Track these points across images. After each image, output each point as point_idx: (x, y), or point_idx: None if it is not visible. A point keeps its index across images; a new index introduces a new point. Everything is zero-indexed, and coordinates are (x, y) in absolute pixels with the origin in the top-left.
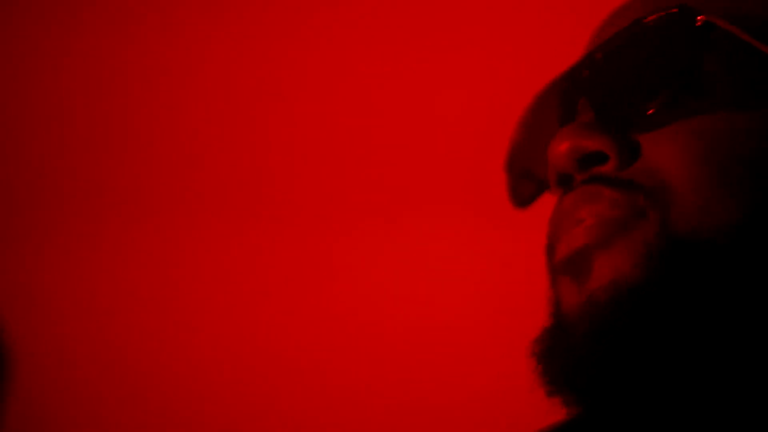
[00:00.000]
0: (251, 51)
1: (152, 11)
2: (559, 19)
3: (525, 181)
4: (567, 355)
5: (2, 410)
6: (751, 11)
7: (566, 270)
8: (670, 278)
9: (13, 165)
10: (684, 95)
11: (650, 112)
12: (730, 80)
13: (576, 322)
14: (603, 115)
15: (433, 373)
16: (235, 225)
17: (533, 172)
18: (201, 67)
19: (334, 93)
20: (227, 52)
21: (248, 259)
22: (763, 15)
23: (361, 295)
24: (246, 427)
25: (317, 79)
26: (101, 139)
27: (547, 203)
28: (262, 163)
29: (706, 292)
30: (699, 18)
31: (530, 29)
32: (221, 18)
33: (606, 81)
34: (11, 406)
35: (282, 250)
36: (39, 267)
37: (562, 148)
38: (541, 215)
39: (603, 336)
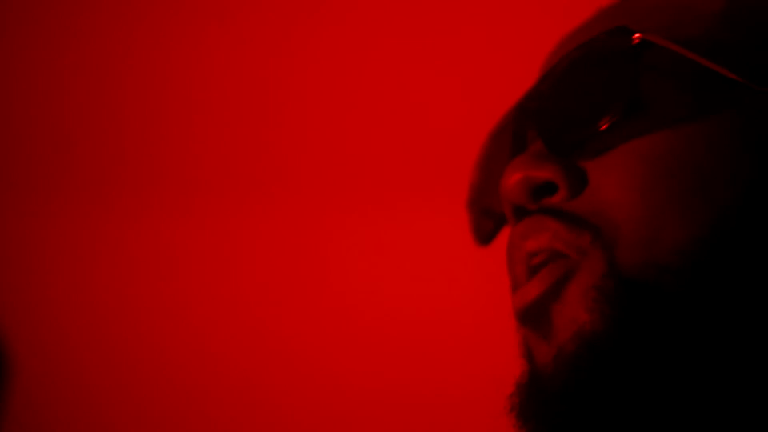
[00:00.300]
0: (246, 43)
1: (150, 8)
2: (550, 16)
3: (485, 218)
4: (545, 411)
5: (2, 409)
6: (690, 29)
7: (526, 322)
8: (629, 319)
9: (12, 164)
10: (627, 116)
11: (596, 136)
12: (674, 97)
13: (549, 377)
14: (551, 144)
15: (426, 366)
16: (229, 218)
17: (492, 208)
18: (196, 59)
19: (328, 86)
20: (222, 44)
21: (241, 251)
22: (702, 31)
23: (354, 287)
24: (241, 419)
25: (311, 72)
26: (96, 131)
27: None
28: (255, 156)
29: (668, 326)
30: (635, 37)
31: (522, 24)
32: (217, 10)
33: (552, 110)
34: (11, 406)
35: (276, 241)
36: (38, 265)
37: (512, 180)
38: None
39: (577, 389)
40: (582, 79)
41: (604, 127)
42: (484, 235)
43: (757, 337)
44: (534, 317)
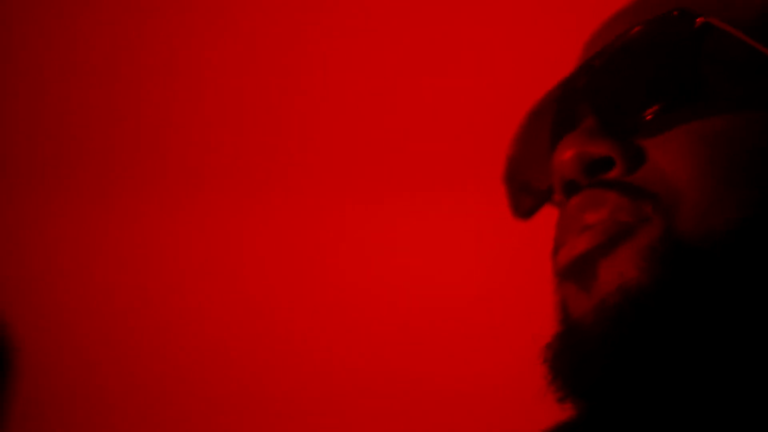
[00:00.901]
0: (249, 36)
1: (150, 4)
2: (556, 16)
3: (524, 193)
4: (580, 360)
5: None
6: (741, 13)
7: (570, 275)
8: (677, 281)
9: (14, 157)
10: (685, 98)
11: (652, 116)
12: (730, 81)
13: (588, 327)
14: (605, 121)
15: (431, 355)
16: (234, 204)
17: (532, 184)
18: (197, 52)
19: (338, 70)
20: (225, 35)
21: (246, 239)
22: (754, 16)
23: (361, 275)
24: (251, 413)
25: (318, 61)
26: (97, 124)
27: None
28: (261, 143)
29: (714, 294)
30: (698, 20)
31: (529, 22)
32: (218, 6)
33: (605, 87)
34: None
35: (283, 233)
36: (42, 259)
37: (567, 155)
38: None
39: (616, 340)
40: (640, 59)
41: (662, 108)
42: (524, 210)
43: None
44: (578, 270)
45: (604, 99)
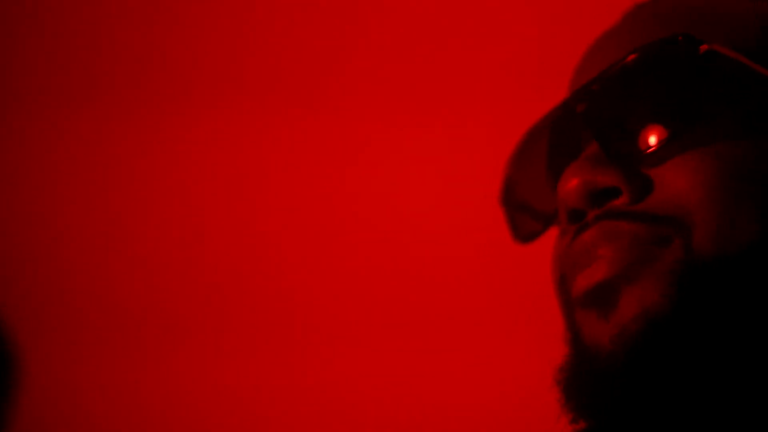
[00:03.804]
0: None
1: None
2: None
3: (523, 215)
4: (598, 386)
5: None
6: (741, 35)
7: (588, 303)
8: (697, 303)
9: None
10: (691, 124)
11: (659, 144)
12: (733, 105)
13: (607, 354)
14: (609, 148)
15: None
16: (254, 115)
17: (531, 205)
18: None
19: None
20: None
21: (266, 153)
22: (752, 38)
23: (380, 190)
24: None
25: None
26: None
27: None
28: (283, 52)
29: (733, 313)
30: (702, 47)
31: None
32: None
33: (607, 113)
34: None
35: (302, 138)
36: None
37: (572, 184)
38: None
39: (637, 366)
40: (642, 84)
41: (669, 136)
42: (524, 234)
43: None
44: (598, 298)
45: (606, 125)
